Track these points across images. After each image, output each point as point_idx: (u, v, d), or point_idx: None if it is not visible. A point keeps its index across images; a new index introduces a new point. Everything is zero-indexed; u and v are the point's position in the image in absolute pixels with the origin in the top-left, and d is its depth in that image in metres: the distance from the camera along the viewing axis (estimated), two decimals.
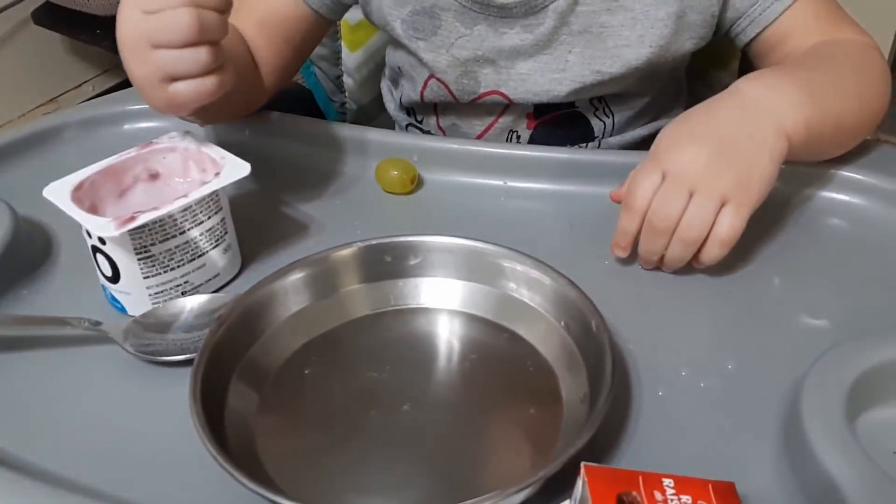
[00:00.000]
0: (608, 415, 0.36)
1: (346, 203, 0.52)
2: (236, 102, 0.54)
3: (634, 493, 0.32)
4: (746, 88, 0.46)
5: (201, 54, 0.41)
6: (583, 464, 0.32)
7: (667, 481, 0.32)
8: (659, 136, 0.45)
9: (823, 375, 0.36)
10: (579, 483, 0.32)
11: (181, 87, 0.42)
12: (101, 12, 1.53)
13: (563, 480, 0.33)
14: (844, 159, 0.51)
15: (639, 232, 0.44)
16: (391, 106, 0.65)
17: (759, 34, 0.53)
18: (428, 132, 0.60)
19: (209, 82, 0.42)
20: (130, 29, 0.43)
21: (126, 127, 0.59)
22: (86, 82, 1.78)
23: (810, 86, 0.47)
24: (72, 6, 1.55)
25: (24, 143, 0.57)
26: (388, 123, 0.66)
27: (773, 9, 0.52)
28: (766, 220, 0.48)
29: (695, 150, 0.43)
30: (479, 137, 0.58)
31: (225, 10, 0.43)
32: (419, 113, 0.62)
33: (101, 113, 0.60)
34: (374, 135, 0.56)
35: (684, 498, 0.32)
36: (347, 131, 0.56)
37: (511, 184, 0.52)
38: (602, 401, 0.35)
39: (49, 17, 1.61)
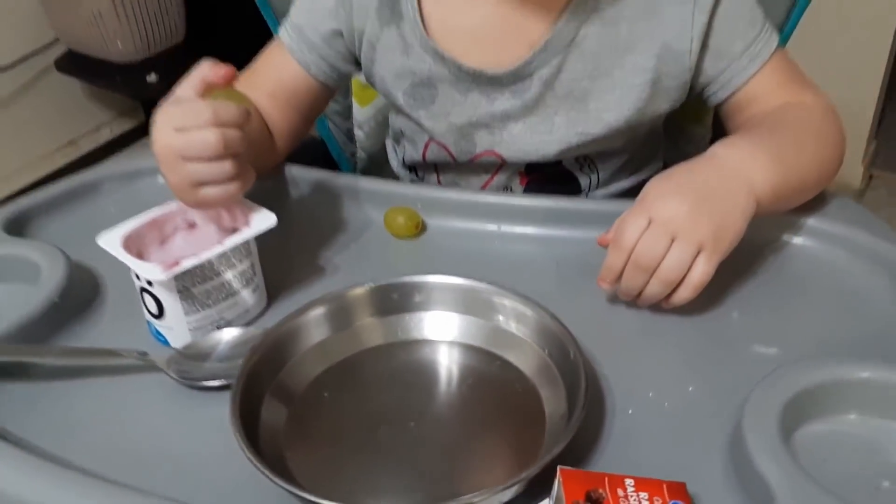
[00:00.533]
0: (585, 429, 0.43)
1: (359, 246, 0.60)
2: (256, 168, 0.62)
3: (601, 491, 0.39)
4: (723, 154, 0.53)
5: (226, 166, 0.50)
6: (559, 467, 0.40)
7: (628, 481, 0.39)
8: (646, 187, 0.52)
9: (762, 396, 0.43)
10: (556, 483, 0.40)
11: (210, 192, 0.50)
12: (121, 60, 1.64)
13: (545, 483, 0.40)
14: (800, 208, 0.58)
15: (623, 269, 0.51)
16: (394, 163, 0.73)
17: (728, 97, 0.61)
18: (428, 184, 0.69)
19: (233, 186, 0.50)
20: (164, 143, 0.51)
21: (161, 180, 0.68)
22: (103, 125, 1.88)
23: (778, 153, 0.54)
24: (93, 54, 1.66)
25: (70, 194, 0.65)
26: (395, 172, 0.74)
27: (740, 76, 0.60)
28: (728, 262, 0.55)
29: (679, 201, 0.50)
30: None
31: (245, 125, 0.50)
32: (420, 171, 0.70)
33: (137, 167, 0.68)
34: (383, 185, 0.64)
35: (642, 494, 0.39)
36: (359, 182, 0.64)
37: (504, 229, 0.60)
38: (576, 416, 0.42)
39: (71, 64, 1.71)
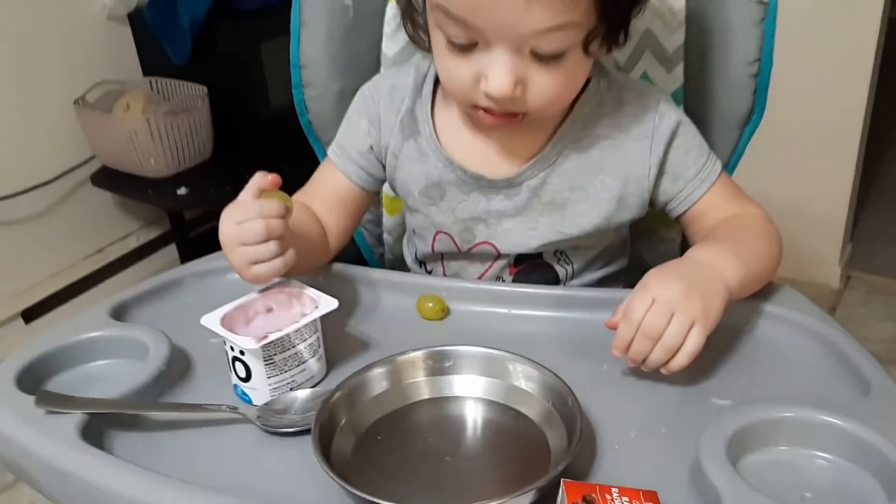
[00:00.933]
0: (580, 459, 0.58)
1: (396, 326, 0.76)
2: (312, 260, 0.79)
3: (593, 495, 0.54)
4: (699, 256, 0.69)
5: (271, 247, 0.67)
6: (562, 479, 0.55)
7: (614, 490, 0.54)
8: (646, 276, 0.66)
9: (714, 430, 0.58)
10: (560, 492, 0.54)
11: (259, 268, 0.68)
12: (153, 175, 1.83)
13: (551, 498, 0.55)
14: (756, 294, 0.74)
15: (632, 340, 0.64)
16: (409, 260, 0.90)
17: (686, 211, 0.79)
18: (435, 275, 0.86)
19: (278, 263, 0.68)
20: (227, 234, 0.69)
21: (228, 277, 0.84)
22: (130, 234, 2.06)
23: (739, 254, 0.70)
24: (127, 170, 1.85)
25: (159, 288, 0.81)
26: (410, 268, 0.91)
27: (694, 194, 0.78)
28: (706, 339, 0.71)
29: (676, 285, 0.64)
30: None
31: (285, 216, 0.68)
32: (429, 263, 0.87)
33: (209, 267, 0.84)
34: (414, 278, 0.81)
35: (624, 498, 0.54)
36: (395, 276, 0.81)
37: (513, 312, 0.76)
38: (574, 443, 0.57)
39: (106, 179, 1.91)
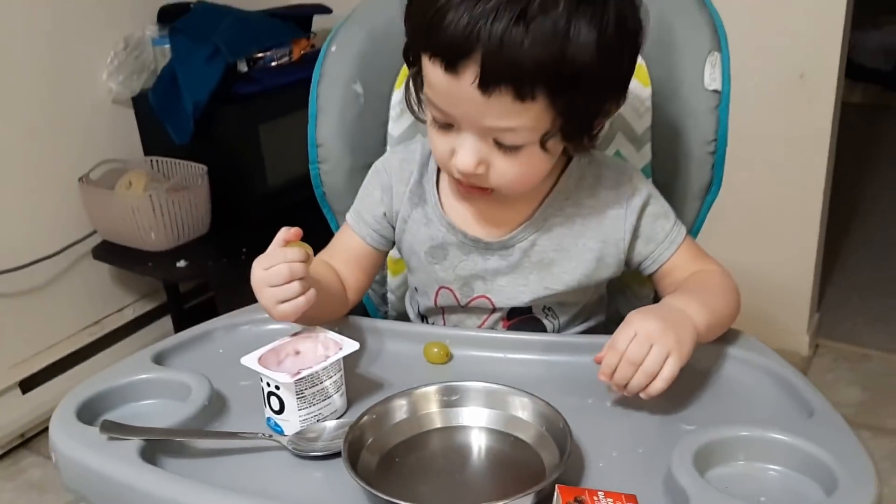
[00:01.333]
0: (571, 473, 0.70)
1: (405, 369, 0.88)
2: (333, 310, 0.92)
3: (583, 496, 0.65)
4: (671, 302, 0.83)
5: (294, 287, 0.80)
6: (557, 485, 0.66)
7: (600, 493, 0.66)
8: (629, 315, 0.79)
9: (682, 447, 0.70)
10: (555, 495, 0.66)
11: (285, 307, 0.81)
12: (152, 249, 1.95)
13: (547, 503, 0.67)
14: (720, 340, 0.87)
15: (617, 366, 0.76)
16: (412, 315, 1.03)
17: (657, 269, 0.93)
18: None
19: (301, 300, 0.81)
20: (256, 278, 0.82)
21: (254, 328, 0.96)
22: (127, 307, 2.17)
23: (705, 302, 0.84)
24: (127, 244, 1.98)
25: (193, 338, 0.93)
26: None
27: (664, 255, 0.92)
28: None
29: (654, 322, 0.77)
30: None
31: (306, 261, 0.81)
32: (431, 317, 0.99)
33: (236, 321, 0.97)
34: (420, 328, 0.93)
35: (609, 500, 0.65)
36: (403, 327, 0.94)
37: (509, 356, 0.89)
38: (565, 457, 0.69)
39: (106, 252, 2.03)
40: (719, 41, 0.98)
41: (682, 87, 0.98)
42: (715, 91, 0.97)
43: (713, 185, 0.99)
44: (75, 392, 0.81)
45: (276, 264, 0.80)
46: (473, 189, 0.86)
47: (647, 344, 0.76)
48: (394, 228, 0.97)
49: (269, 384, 0.78)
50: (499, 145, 0.81)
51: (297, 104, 2.01)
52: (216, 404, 0.82)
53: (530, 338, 0.90)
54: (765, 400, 0.81)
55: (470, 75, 0.75)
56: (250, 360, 0.79)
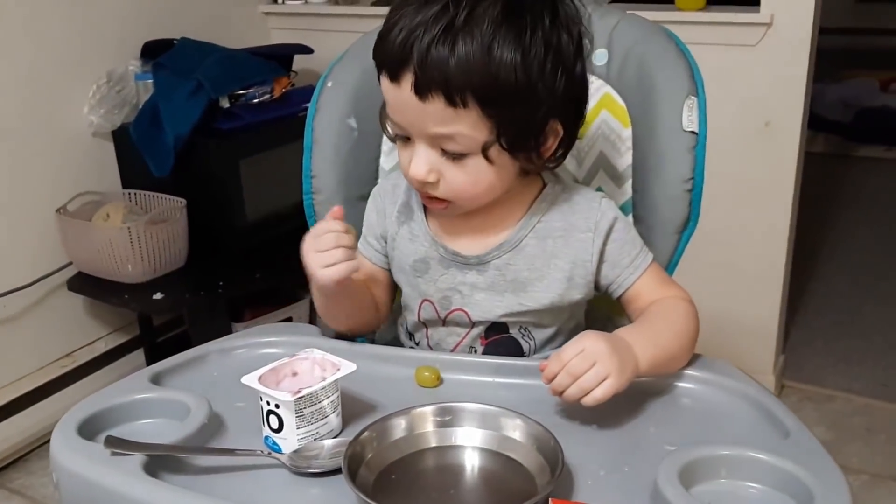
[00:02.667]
0: (562, 491, 0.73)
1: (398, 392, 0.90)
2: (370, 318, 1.02)
3: None
4: (623, 335, 0.89)
5: (338, 253, 0.88)
6: (550, 497, 0.70)
7: None
8: (583, 333, 0.85)
9: (668, 464, 0.74)
10: None
11: (328, 270, 0.88)
12: (130, 281, 1.96)
13: None
14: (697, 366, 0.93)
15: (557, 374, 0.82)
16: (402, 336, 1.07)
17: (623, 293, 0.99)
18: (420, 345, 1.04)
19: (342, 267, 0.88)
20: (305, 246, 0.90)
21: (246, 353, 0.99)
22: (99, 339, 2.16)
23: (653, 339, 0.90)
24: (105, 276, 1.98)
25: (189, 361, 0.96)
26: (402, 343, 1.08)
27: (629, 279, 0.98)
28: (650, 397, 0.89)
29: (603, 344, 0.83)
30: (453, 350, 1.01)
31: (346, 231, 0.88)
32: (416, 334, 1.04)
33: (231, 345, 0.99)
34: (412, 353, 0.97)
35: None
36: (395, 352, 0.97)
37: (498, 380, 0.93)
38: (557, 473, 0.73)
39: (82, 284, 2.03)
40: (696, 86, 1.05)
41: (661, 129, 1.04)
42: (692, 132, 1.03)
43: (690, 220, 1.05)
44: (75, 410, 0.83)
45: (323, 234, 0.89)
46: (432, 200, 0.94)
47: (591, 361, 0.82)
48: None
49: (268, 403, 0.81)
50: (447, 154, 0.89)
51: (277, 140, 2.10)
52: (214, 424, 0.84)
53: (518, 363, 0.94)
54: (742, 422, 0.86)
55: (407, 83, 0.85)
56: (251, 380, 0.82)
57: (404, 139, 0.92)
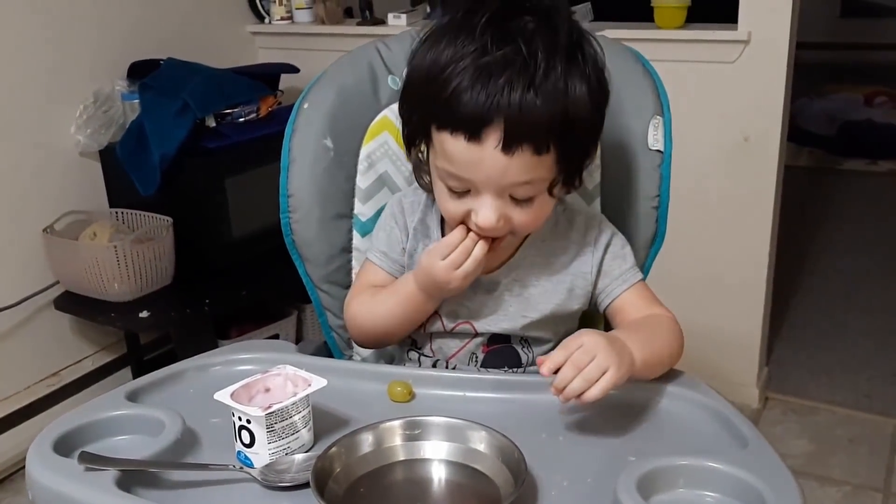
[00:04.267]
0: (525, 501, 0.76)
1: (369, 406, 0.93)
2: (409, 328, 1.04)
3: None
4: (617, 335, 0.91)
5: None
6: None
7: None
8: (578, 332, 0.88)
9: (627, 475, 0.77)
10: None
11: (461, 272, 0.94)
12: (117, 299, 1.98)
13: None
14: (666, 380, 0.95)
15: (560, 367, 0.84)
16: (401, 344, 1.09)
17: (609, 304, 1.02)
18: (422, 352, 1.05)
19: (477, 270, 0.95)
20: (434, 257, 0.96)
21: (222, 370, 1.01)
22: (86, 358, 2.18)
23: (645, 341, 0.92)
24: (91, 295, 2.01)
25: (165, 378, 0.98)
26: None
27: (616, 291, 1.02)
28: (619, 409, 0.91)
29: (601, 341, 0.86)
30: (453, 356, 1.04)
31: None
32: (419, 341, 1.06)
33: (207, 362, 1.01)
34: (385, 368, 0.99)
35: None
36: (368, 367, 0.99)
37: (468, 394, 0.95)
38: (519, 484, 0.75)
39: (69, 303, 2.05)
40: (661, 105, 1.08)
41: (628, 148, 1.07)
42: (658, 151, 1.07)
43: (657, 236, 1.08)
44: (51, 427, 0.85)
45: (462, 244, 0.95)
46: (489, 239, 0.96)
47: (592, 354, 0.85)
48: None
49: (240, 418, 0.83)
50: (514, 200, 0.92)
51: (263, 159, 2.13)
52: (188, 439, 0.87)
53: (488, 377, 0.97)
54: (702, 433, 0.88)
55: (493, 141, 0.87)
56: (223, 395, 0.84)
57: (460, 193, 0.93)
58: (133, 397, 0.93)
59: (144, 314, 1.96)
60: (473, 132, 0.87)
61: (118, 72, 2.16)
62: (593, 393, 0.84)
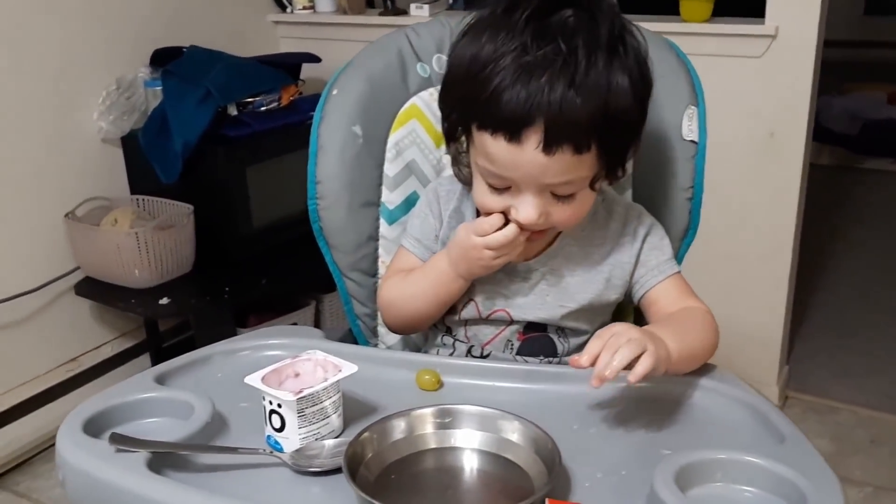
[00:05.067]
0: (559, 493, 0.74)
1: (397, 395, 0.92)
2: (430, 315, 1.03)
3: None
4: (652, 330, 0.90)
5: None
6: (547, 498, 0.71)
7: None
8: (609, 325, 0.86)
9: (664, 466, 0.75)
10: None
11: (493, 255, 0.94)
12: (137, 286, 1.98)
13: None
14: (700, 374, 0.94)
15: (597, 356, 0.81)
16: (433, 329, 1.08)
17: (644, 294, 1.00)
18: (457, 337, 1.05)
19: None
20: (470, 236, 0.95)
21: (250, 355, 1.00)
22: (105, 344, 2.18)
23: (679, 334, 0.91)
24: (112, 281, 2.01)
25: (194, 362, 0.97)
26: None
27: (651, 280, 1.01)
28: (649, 402, 0.90)
29: (632, 328, 0.84)
30: (488, 343, 1.03)
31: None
32: (454, 328, 1.05)
33: (235, 347, 1.01)
34: (414, 356, 0.98)
35: None
36: (396, 355, 0.98)
37: (497, 384, 0.94)
38: (553, 474, 0.74)
39: (89, 289, 2.05)
40: (696, 96, 1.07)
41: (662, 138, 1.06)
42: (692, 142, 1.05)
43: (690, 228, 1.06)
44: (81, 409, 0.85)
45: (501, 227, 0.94)
46: (531, 233, 0.95)
47: (626, 337, 0.83)
48: None
49: (271, 402, 0.82)
50: (556, 196, 0.91)
51: (283, 148, 2.12)
52: (217, 423, 0.86)
53: (517, 367, 0.96)
54: (737, 427, 0.87)
55: (533, 141, 0.86)
56: (254, 380, 0.83)
57: (500, 189, 0.93)
58: (161, 380, 0.92)
59: (164, 301, 1.96)
60: (514, 133, 0.86)
61: (141, 59, 2.16)
62: (638, 370, 0.82)
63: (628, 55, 0.89)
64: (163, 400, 0.88)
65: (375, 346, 1.17)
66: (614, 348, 0.83)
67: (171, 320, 2.23)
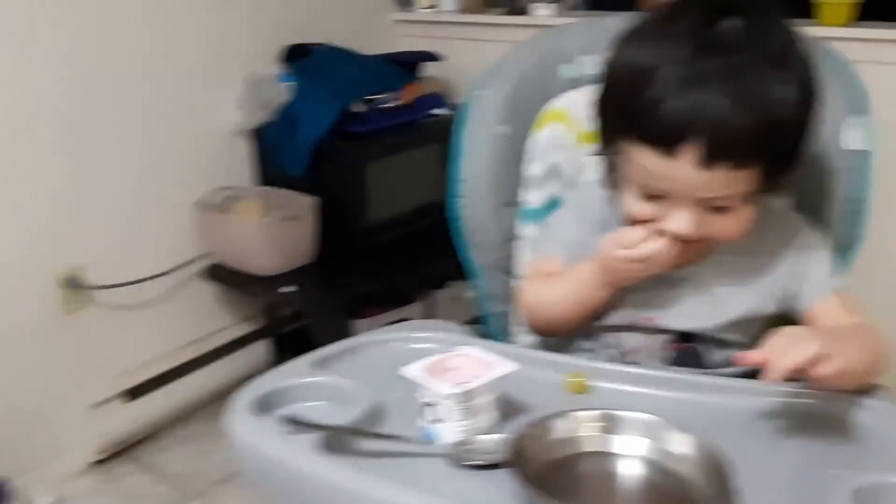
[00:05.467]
0: None
1: (548, 394, 0.91)
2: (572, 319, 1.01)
3: None
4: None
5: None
6: None
7: None
8: (783, 328, 0.83)
9: (839, 491, 0.73)
10: None
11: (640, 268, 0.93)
12: (260, 273, 2.04)
13: None
14: (864, 393, 0.89)
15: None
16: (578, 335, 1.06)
17: (809, 307, 0.96)
18: (598, 342, 1.03)
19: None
20: (614, 250, 0.93)
21: (397, 346, 1.02)
22: (225, 328, 2.25)
23: (848, 344, 0.85)
24: (239, 268, 2.08)
25: (342, 351, 0.99)
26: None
27: (815, 297, 0.96)
28: (820, 424, 0.87)
29: (803, 330, 0.84)
30: (633, 350, 1.00)
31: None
32: (596, 332, 1.03)
33: (383, 338, 1.03)
34: (561, 358, 0.98)
35: None
36: (546, 356, 0.98)
37: (651, 391, 0.92)
38: (725, 498, 0.72)
39: (216, 274, 2.13)
40: (862, 104, 1.02)
41: (825, 146, 1.02)
42: (857, 151, 1.01)
43: (854, 241, 1.02)
44: (247, 390, 0.87)
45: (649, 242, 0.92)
46: (682, 243, 0.92)
47: (807, 339, 0.80)
48: None
49: (429, 395, 0.83)
50: (712, 209, 0.89)
51: (404, 145, 2.15)
52: (375, 411, 0.87)
53: (673, 376, 0.94)
54: None
55: (689, 157, 0.84)
56: (413, 372, 0.84)
57: (653, 197, 0.91)
58: (317, 366, 0.95)
59: (286, 289, 2.01)
60: (668, 147, 0.85)
61: (270, 55, 2.22)
62: (821, 371, 0.79)
63: (797, 68, 0.86)
64: (322, 385, 0.90)
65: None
66: (793, 346, 0.79)
67: (291, 308, 2.29)
